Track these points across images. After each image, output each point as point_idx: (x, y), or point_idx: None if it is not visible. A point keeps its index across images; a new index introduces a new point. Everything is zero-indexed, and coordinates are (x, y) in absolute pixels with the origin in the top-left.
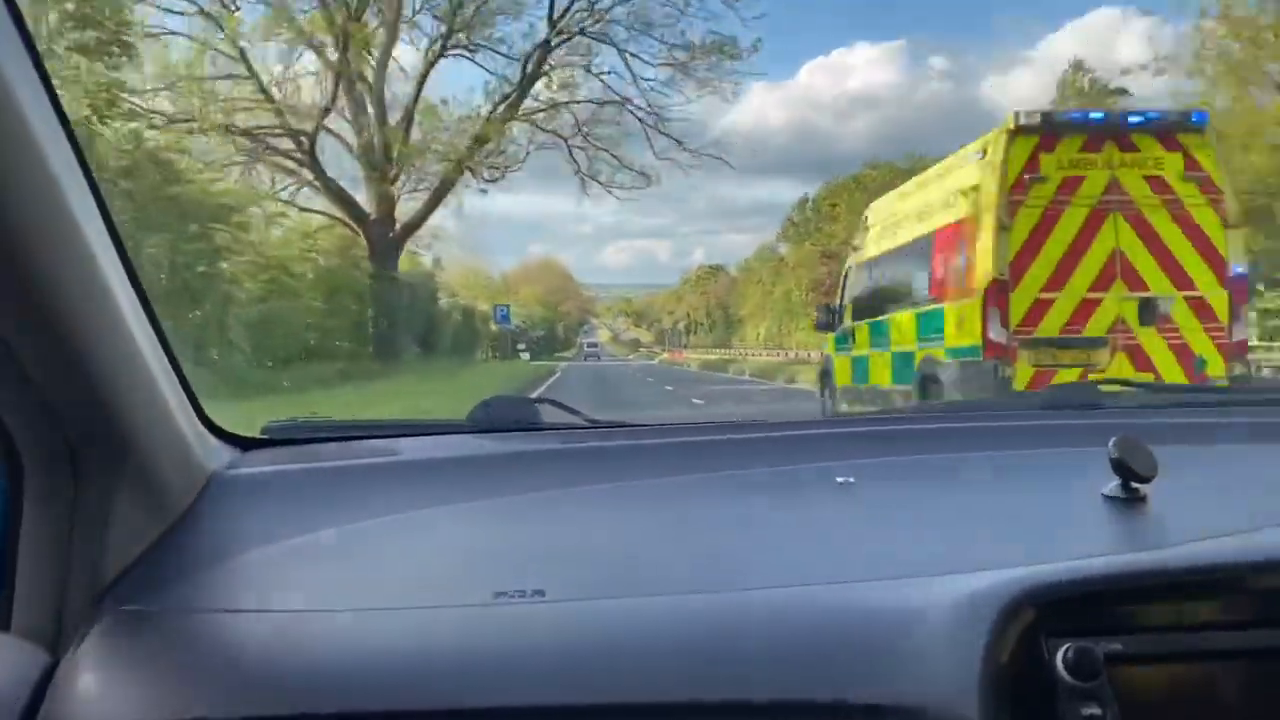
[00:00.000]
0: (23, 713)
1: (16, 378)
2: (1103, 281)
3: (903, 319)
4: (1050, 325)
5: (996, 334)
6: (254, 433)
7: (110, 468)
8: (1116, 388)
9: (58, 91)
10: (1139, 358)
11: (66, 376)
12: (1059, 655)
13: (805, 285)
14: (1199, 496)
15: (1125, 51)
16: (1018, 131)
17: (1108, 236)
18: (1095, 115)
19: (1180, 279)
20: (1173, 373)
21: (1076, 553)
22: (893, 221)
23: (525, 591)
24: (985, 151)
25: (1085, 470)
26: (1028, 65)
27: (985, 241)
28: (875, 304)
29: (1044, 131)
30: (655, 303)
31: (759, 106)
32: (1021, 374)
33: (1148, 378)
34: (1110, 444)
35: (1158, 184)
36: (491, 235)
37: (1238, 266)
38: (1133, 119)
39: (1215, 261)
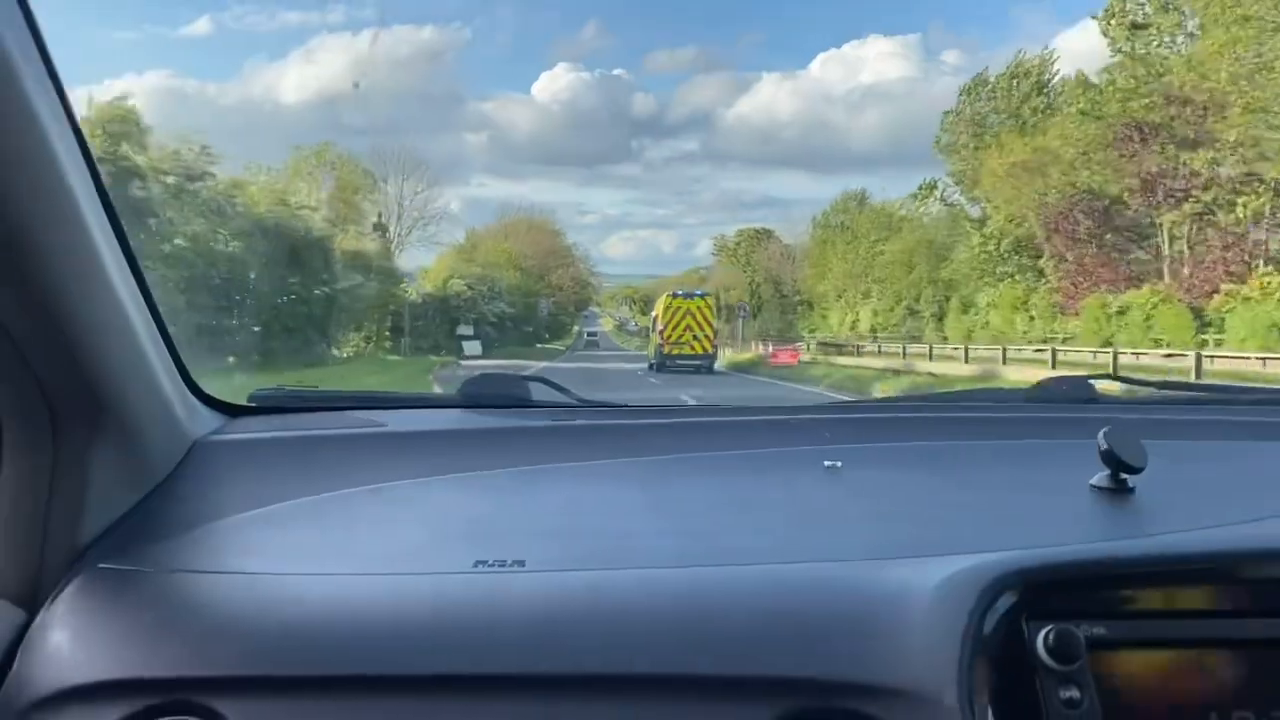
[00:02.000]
0: None
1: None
2: (685, 335)
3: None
4: (672, 347)
5: (658, 352)
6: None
7: (92, 430)
8: (1109, 383)
9: (59, 77)
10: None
11: (49, 338)
12: (1040, 637)
13: (1007, 222)
14: (1187, 489)
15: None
16: (670, 297)
17: (687, 321)
18: (685, 292)
19: (706, 332)
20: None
21: (1062, 539)
22: (659, 309)
23: (505, 561)
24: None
25: (1074, 461)
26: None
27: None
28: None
29: (674, 295)
30: (669, 286)
31: (769, 98)
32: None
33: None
34: (1100, 435)
35: (702, 309)
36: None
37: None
38: (697, 293)
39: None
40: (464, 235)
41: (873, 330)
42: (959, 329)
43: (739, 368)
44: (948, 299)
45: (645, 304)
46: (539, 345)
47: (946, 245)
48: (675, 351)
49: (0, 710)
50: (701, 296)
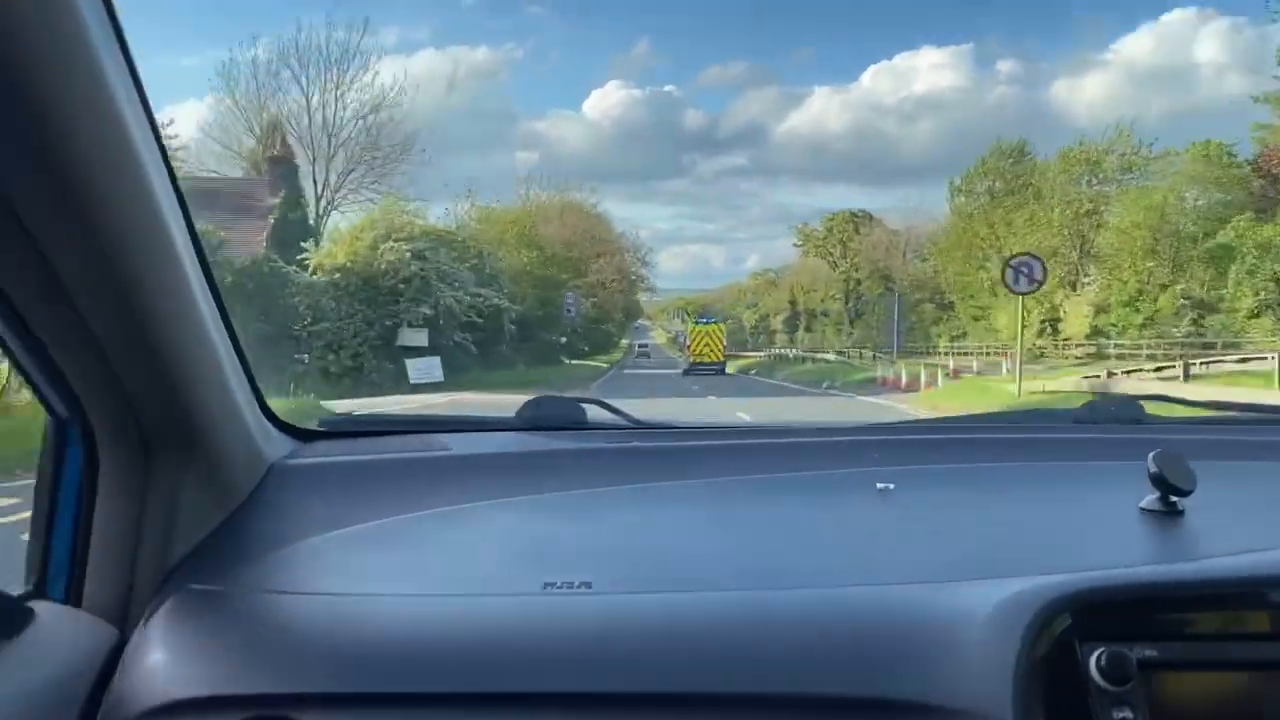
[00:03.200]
0: (94, 684)
1: (98, 365)
2: (705, 349)
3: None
4: (696, 358)
5: (687, 361)
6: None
7: (181, 456)
8: (1158, 404)
9: (150, 104)
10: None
11: (147, 371)
12: (1093, 659)
13: None
14: (1237, 511)
15: (1202, 52)
16: (694, 324)
17: (706, 340)
18: (705, 319)
19: (718, 348)
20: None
21: (1113, 561)
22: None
23: (573, 583)
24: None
25: (1124, 483)
26: (1101, 68)
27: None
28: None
29: (696, 322)
30: (731, 294)
31: (820, 111)
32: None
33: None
34: (1149, 458)
35: (715, 332)
36: None
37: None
38: (712, 320)
39: (721, 346)
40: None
41: (1096, 333)
42: None
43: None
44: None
45: (701, 316)
46: (569, 361)
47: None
48: (698, 360)
49: None
50: (715, 323)
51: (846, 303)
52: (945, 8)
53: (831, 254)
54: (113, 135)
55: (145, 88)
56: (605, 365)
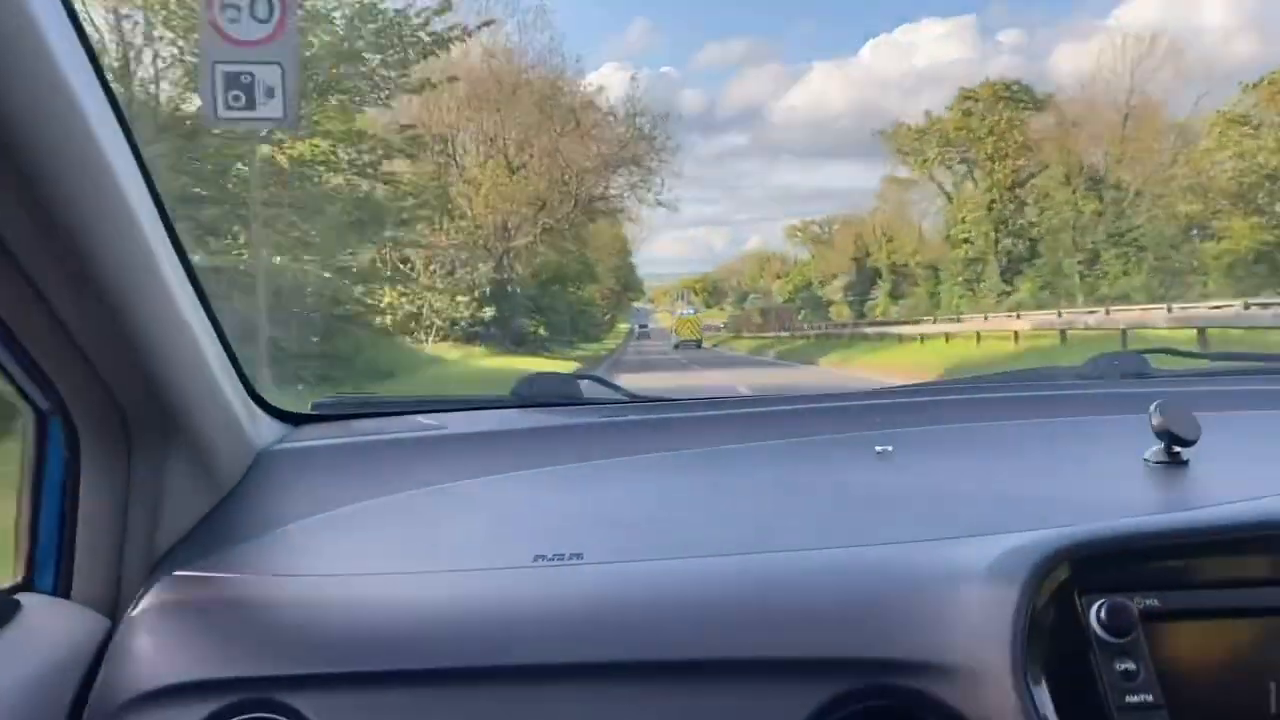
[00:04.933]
0: (84, 674)
1: (75, 357)
2: (686, 332)
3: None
4: (680, 339)
5: (676, 339)
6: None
7: (164, 442)
8: (1163, 356)
9: (110, 83)
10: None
11: (122, 355)
12: (1093, 611)
13: None
14: (1241, 460)
15: (1207, 15)
16: (677, 317)
17: (688, 326)
18: (684, 313)
19: (696, 331)
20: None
21: (1115, 513)
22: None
23: (564, 554)
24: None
25: (1127, 436)
26: (1105, 33)
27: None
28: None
29: (678, 315)
30: (735, 270)
31: (820, 88)
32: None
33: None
34: (1152, 408)
35: (693, 320)
36: None
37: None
38: (690, 312)
39: (699, 329)
40: None
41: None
42: None
43: None
44: None
45: (711, 294)
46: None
47: None
48: (681, 339)
49: (91, 713)
50: (694, 314)
51: (996, 241)
52: None
53: (968, 158)
54: (78, 123)
55: (108, 72)
56: (601, 351)
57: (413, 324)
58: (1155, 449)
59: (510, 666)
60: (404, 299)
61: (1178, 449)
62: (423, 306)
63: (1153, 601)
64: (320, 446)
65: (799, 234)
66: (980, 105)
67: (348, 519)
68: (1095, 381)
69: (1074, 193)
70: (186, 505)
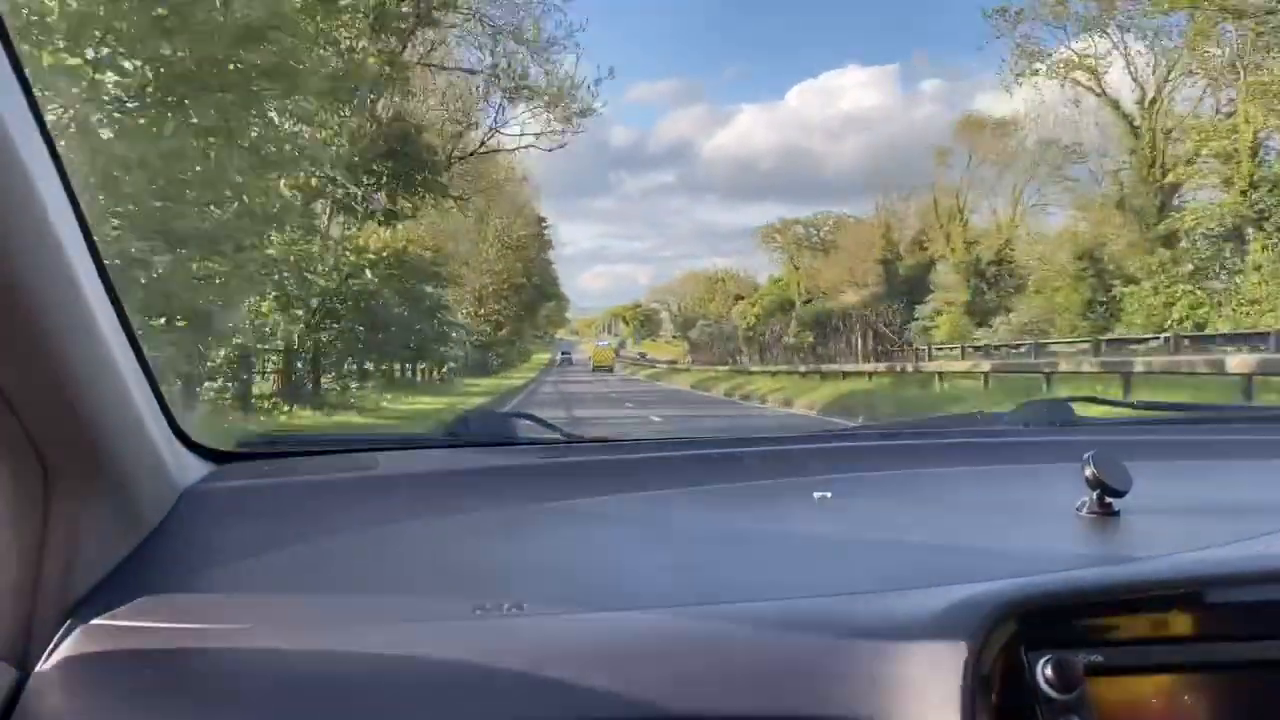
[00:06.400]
0: None
1: None
2: (601, 359)
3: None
4: (596, 364)
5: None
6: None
7: (82, 481)
8: (1091, 406)
9: (35, 93)
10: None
11: (37, 387)
12: (1039, 667)
13: None
14: (1172, 511)
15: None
16: (595, 346)
17: (603, 354)
18: (603, 343)
19: (610, 359)
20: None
21: (1053, 565)
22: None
23: (504, 605)
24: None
25: (1060, 485)
26: (1029, 83)
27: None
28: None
29: (596, 345)
30: (673, 293)
31: (747, 129)
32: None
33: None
34: (1085, 459)
35: (607, 350)
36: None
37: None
38: (606, 343)
39: (613, 357)
40: None
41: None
42: None
43: None
44: None
45: (643, 323)
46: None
47: None
48: (597, 365)
49: None
50: (608, 345)
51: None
52: (872, 29)
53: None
54: None
55: (26, 70)
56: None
57: None
58: (1088, 499)
59: None
60: None
61: (1109, 500)
62: None
63: (1097, 658)
64: (246, 486)
65: (777, 236)
66: None
67: (275, 564)
68: (1026, 429)
69: None
70: (104, 548)
